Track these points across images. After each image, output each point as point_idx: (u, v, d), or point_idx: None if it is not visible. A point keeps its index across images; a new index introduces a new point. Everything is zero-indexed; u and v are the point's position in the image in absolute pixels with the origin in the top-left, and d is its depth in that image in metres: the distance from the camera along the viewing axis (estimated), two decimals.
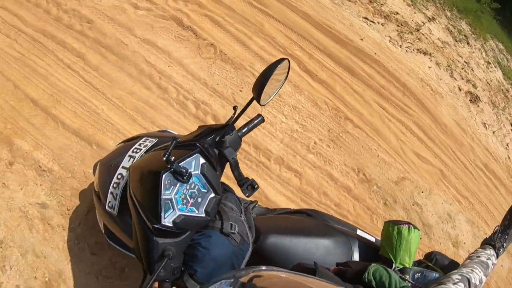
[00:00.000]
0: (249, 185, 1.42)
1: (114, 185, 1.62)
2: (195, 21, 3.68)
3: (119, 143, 2.15)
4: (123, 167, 1.64)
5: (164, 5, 3.74)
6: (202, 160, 1.37)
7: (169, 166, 1.26)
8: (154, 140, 1.76)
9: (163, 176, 1.29)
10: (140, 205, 1.32)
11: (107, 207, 1.63)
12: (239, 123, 1.57)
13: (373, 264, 1.38)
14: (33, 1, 3.61)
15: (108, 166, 1.75)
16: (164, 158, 1.23)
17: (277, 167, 3.26)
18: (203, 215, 1.34)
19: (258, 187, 1.43)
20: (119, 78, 3.30)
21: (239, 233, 1.45)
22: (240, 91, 3.46)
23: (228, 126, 1.48)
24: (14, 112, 3.14)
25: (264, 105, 1.37)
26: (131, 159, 1.66)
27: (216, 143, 1.43)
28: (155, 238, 1.27)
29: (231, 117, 1.50)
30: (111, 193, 1.61)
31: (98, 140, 3.04)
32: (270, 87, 1.32)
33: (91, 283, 2.61)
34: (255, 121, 1.59)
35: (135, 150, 1.69)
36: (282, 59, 1.29)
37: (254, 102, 1.35)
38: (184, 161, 1.34)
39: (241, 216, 1.56)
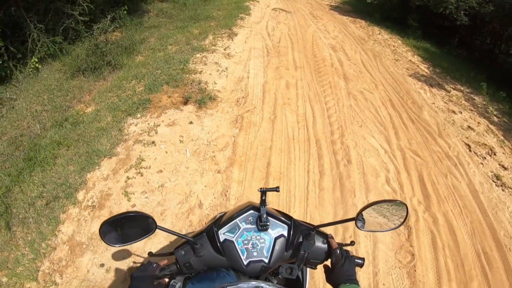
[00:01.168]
0: (288, 268, 1.46)
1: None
2: (420, 238, 3.71)
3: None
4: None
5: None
6: (285, 233, 1.52)
7: (260, 206, 1.51)
8: None
9: (250, 211, 1.54)
10: (222, 216, 1.60)
11: None
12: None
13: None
14: None
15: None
16: (263, 198, 1.51)
17: None
18: (244, 263, 1.46)
19: (295, 275, 1.46)
20: (327, 209, 3.69)
21: None
22: None
23: (327, 235, 1.60)
24: None
25: (358, 228, 1.50)
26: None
27: (307, 234, 1.52)
28: (205, 234, 1.52)
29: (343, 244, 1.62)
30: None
31: None
32: (376, 219, 1.48)
33: None
34: (356, 260, 1.57)
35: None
36: (401, 202, 1.43)
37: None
38: (273, 218, 1.54)
39: None
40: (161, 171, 3.91)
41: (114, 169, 3.89)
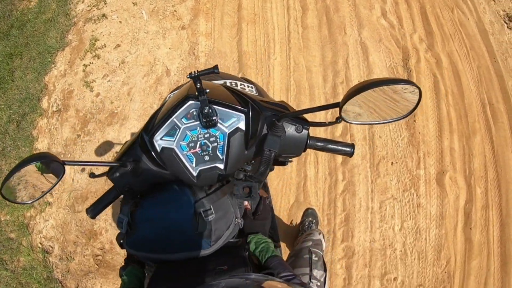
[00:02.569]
0: (246, 187, 1.15)
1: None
2: (421, 83, 3.20)
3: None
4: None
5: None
6: (241, 125, 1.11)
7: (198, 95, 1.03)
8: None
9: (189, 101, 1.07)
10: (155, 115, 1.14)
11: None
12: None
13: (251, 236, 1.32)
14: None
15: None
16: (197, 86, 1.01)
17: None
18: (194, 174, 1.10)
19: (256, 197, 1.16)
20: (313, 51, 3.22)
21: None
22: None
23: (304, 121, 1.14)
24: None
25: (344, 120, 0.96)
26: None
27: (273, 123, 1.08)
28: (137, 144, 1.13)
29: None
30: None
31: (246, 73, 3.10)
32: (372, 105, 0.98)
33: None
34: (341, 147, 1.18)
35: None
36: (410, 82, 0.90)
37: None
38: (222, 106, 1.09)
39: (235, 220, 1.23)
40: (118, 45, 3.30)
41: (70, 61, 3.38)
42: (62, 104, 3.12)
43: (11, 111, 3.36)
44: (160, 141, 1.10)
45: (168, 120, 1.09)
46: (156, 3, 3.52)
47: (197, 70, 0.98)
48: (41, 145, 3.04)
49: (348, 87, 2.98)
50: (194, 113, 1.09)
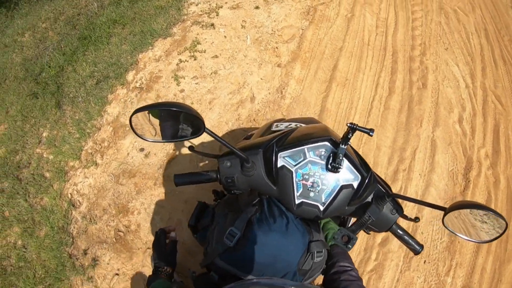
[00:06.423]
0: (346, 236, 1.24)
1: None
2: (476, 196, 3.23)
3: None
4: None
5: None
6: (355, 184, 1.21)
7: (340, 142, 1.15)
8: None
9: (326, 142, 1.21)
10: (288, 134, 1.28)
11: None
12: None
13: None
14: None
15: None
16: (349, 136, 1.13)
17: None
18: (296, 202, 1.19)
19: (351, 247, 1.24)
20: (387, 132, 3.35)
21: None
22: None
23: (400, 208, 1.28)
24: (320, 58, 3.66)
25: (444, 225, 1.12)
26: None
27: (382, 197, 1.22)
28: (261, 150, 1.24)
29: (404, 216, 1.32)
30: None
31: None
32: (464, 222, 1.11)
33: None
34: (413, 243, 1.32)
35: None
36: (502, 217, 1.01)
37: None
38: (349, 162, 1.21)
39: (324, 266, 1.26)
40: (216, 56, 3.47)
41: (167, 51, 3.54)
42: (146, 84, 3.25)
43: (95, 68, 3.53)
44: (283, 159, 1.21)
45: (300, 146, 1.21)
46: (262, 34, 3.73)
47: (357, 124, 1.10)
48: (112, 110, 3.14)
49: (409, 176, 3.12)
50: (323, 153, 1.20)
